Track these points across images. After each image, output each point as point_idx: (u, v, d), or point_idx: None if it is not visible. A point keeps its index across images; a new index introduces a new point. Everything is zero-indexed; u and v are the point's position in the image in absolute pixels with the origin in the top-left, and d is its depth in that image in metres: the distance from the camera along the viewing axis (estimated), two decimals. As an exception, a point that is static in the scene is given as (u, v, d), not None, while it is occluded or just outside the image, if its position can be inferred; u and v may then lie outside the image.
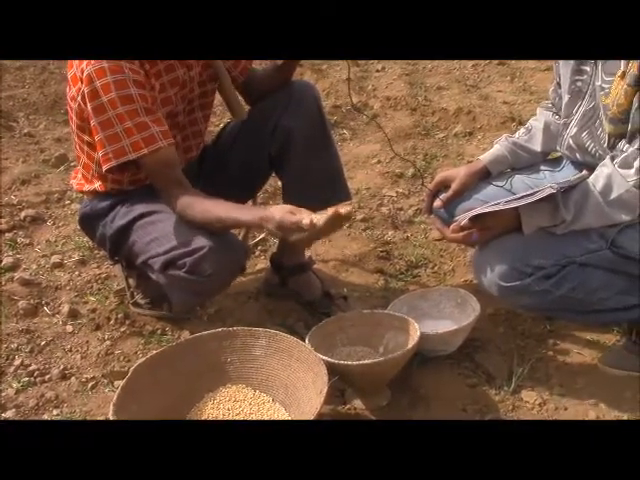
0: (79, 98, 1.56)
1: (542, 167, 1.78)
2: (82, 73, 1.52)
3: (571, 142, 1.60)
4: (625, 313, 1.52)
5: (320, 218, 1.33)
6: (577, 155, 1.61)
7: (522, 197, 1.42)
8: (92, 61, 1.49)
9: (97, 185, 1.73)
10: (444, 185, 1.81)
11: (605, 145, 1.50)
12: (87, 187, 1.76)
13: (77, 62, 1.55)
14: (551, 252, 1.45)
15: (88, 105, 1.52)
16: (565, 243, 1.46)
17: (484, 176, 1.80)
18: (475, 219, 1.49)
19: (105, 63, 1.48)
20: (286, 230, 1.39)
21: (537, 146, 1.79)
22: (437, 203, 1.81)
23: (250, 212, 1.61)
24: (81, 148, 1.71)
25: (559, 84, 1.70)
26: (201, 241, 1.53)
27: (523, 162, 1.81)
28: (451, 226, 1.55)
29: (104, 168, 1.55)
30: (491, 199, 1.75)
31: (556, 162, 1.79)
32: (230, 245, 1.58)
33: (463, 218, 1.49)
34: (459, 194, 1.78)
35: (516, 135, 1.82)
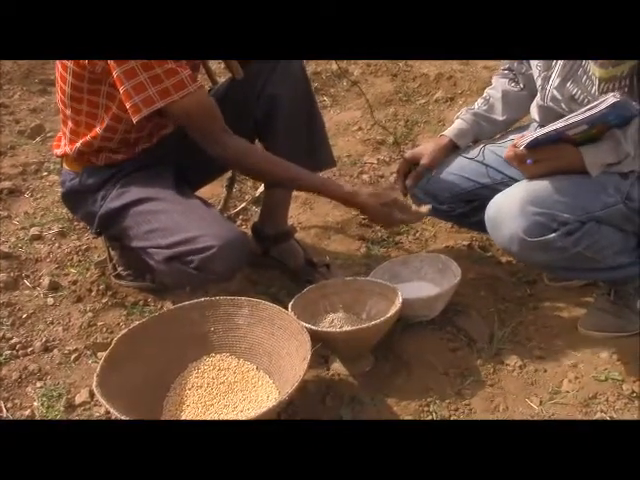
0: None
1: (511, 136, 1.77)
2: None
3: (555, 93, 1.58)
4: (618, 272, 1.56)
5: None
6: (562, 105, 1.58)
7: (585, 111, 1.38)
8: None
9: (87, 138, 1.66)
10: (413, 162, 1.82)
11: (594, 91, 1.48)
12: (68, 148, 1.70)
13: None
14: (574, 206, 1.45)
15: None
16: (586, 197, 1.46)
17: (452, 150, 1.80)
18: (534, 149, 1.46)
19: None
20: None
21: (498, 115, 1.80)
22: (409, 182, 1.81)
23: (337, 186, 1.69)
24: (75, 109, 1.64)
25: None
26: (209, 240, 1.52)
27: (487, 132, 1.81)
28: (510, 145, 1.52)
29: (134, 119, 1.50)
30: (466, 172, 1.76)
31: (524, 130, 1.79)
32: (238, 243, 1.56)
33: (522, 143, 1.46)
34: (430, 167, 1.79)
35: (475, 106, 1.82)
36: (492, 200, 1.53)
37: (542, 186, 1.47)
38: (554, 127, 1.41)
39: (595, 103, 1.36)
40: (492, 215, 1.52)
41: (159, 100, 1.47)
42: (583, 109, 1.39)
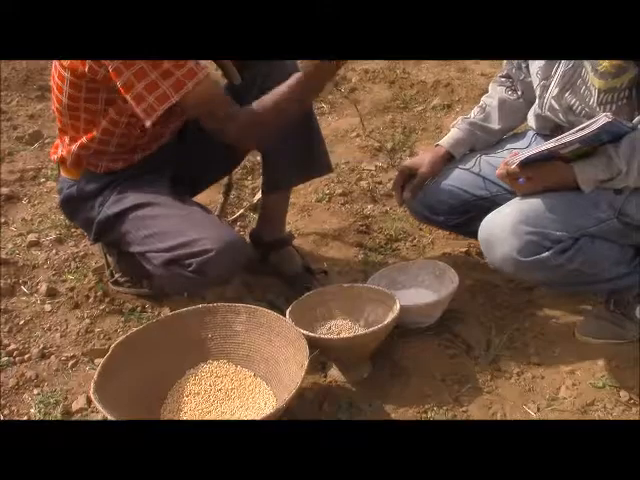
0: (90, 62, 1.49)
1: (508, 146, 1.77)
2: None
3: (553, 103, 1.58)
4: (617, 282, 1.56)
5: None
6: (560, 115, 1.58)
7: (577, 131, 1.37)
8: None
9: (83, 140, 1.65)
10: (410, 174, 1.81)
11: (592, 102, 1.48)
12: (65, 151, 1.70)
13: None
14: (566, 223, 1.45)
15: (111, 65, 1.44)
16: (578, 213, 1.46)
17: (448, 160, 1.79)
18: (526, 166, 1.45)
19: None
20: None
21: (494, 124, 1.79)
22: (406, 194, 1.80)
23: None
24: (73, 116, 1.63)
25: None
26: (207, 243, 1.51)
27: (483, 142, 1.80)
28: (501, 163, 1.51)
29: (149, 121, 1.48)
30: (462, 184, 1.76)
31: (520, 137, 1.78)
32: (236, 247, 1.56)
33: (513, 162, 1.45)
34: (428, 178, 1.78)
35: (471, 115, 1.81)
36: (484, 221, 1.51)
37: (534, 204, 1.46)
38: (546, 146, 1.41)
39: (587, 123, 1.36)
40: (485, 237, 1.50)
41: (174, 94, 1.45)
42: (575, 129, 1.38)
